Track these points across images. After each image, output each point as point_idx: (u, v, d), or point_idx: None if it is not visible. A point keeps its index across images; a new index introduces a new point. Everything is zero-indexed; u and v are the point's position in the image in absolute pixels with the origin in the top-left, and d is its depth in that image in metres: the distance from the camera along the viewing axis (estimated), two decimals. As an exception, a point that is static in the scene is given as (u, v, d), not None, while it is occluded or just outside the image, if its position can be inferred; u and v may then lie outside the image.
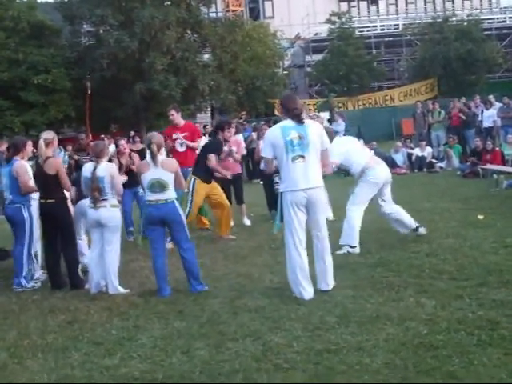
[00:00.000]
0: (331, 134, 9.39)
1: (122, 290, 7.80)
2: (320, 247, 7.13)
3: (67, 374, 5.20)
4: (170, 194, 7.57)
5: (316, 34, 45.26)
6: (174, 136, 11.76)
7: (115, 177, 7.98)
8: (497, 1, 50.22)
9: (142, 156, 11.49)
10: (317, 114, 27.61)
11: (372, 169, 9.32)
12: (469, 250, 8.53)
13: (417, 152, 21.45)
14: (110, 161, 8.78)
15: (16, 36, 29.24)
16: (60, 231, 8.34)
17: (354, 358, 5.03)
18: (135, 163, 11.61)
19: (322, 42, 43.18)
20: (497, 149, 18.82)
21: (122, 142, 12.31)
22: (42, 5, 33.42)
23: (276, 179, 11.77)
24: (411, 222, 9.62)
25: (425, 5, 49.88)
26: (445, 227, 10.27)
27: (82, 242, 9.28)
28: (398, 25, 45.91)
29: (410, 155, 21.57)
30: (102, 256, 7.92)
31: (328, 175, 8.49)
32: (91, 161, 8.35)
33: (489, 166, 17.07)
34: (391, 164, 21.14)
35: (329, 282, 7.13)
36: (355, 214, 9.22)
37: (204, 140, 13.77)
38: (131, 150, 12.41)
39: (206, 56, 34.13)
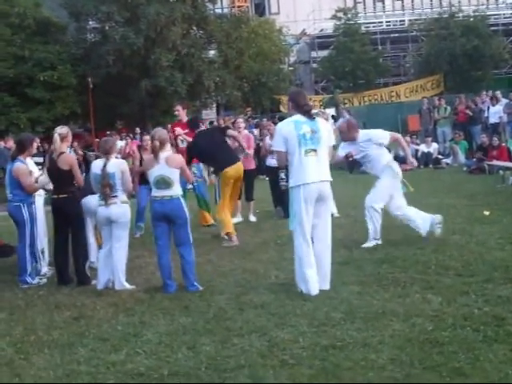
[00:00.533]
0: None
1: (128, 286, 7.82)
2: (322, 246, 7.15)
3: (73, 370, 5.21)
4: (176, 190, 7.56)
5: (322, 30, 45.11)
6: (176, 132, 11.80)
7: (125, 173, 7.98)
8: (503, -4, 50.07)
9: None
10: (322, 110, 27.66)
11: (395, 163, 9.40)
12: (475, 246, 8.52)
13: (423, 148, 21.43)
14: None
15: (22, 33, 29.21)
16: (71, 227, 8.36)
17: (360, 354, 5.03)
18: (135, 162, 11.70)
19: (327, 38, 43.03)
20: (503, 145, 18.80)
21: (147, 137, 12.33)
22: (47, 1, 33.40)
23: (282, 175, 11.80)
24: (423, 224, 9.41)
25: (431, 0, 49.62)
26: (451, 223, 10.25)
27: (92, 240, 9.22)
28: (403, 21, 45.71)
29: (416, 151, 21.54)
30: (111, 252, 7.93)
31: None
32: (97, 157, 8.35)
33: (495, 162, 17.06)
34: (396, 160, 21.17)
35: (327, 283, 7.12)
36: (378, 213, 9.31)
37: None
38: (139, 146, 12.47)
39: (212, 52, 34.08)
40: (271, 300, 6.75)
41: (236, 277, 7.93)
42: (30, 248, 8.58)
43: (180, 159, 7.81)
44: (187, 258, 7.55)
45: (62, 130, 8.43)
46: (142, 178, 11.57)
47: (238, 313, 6.40)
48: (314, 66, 44.22)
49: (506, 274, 7.06)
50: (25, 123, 27.44)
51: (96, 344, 5.82)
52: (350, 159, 9.81)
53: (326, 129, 7.19)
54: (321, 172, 7.01)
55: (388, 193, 9.35)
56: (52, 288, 8.17)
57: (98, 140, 19.71)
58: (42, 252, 8.97)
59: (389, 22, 46.24)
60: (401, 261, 8.05)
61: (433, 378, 4.53)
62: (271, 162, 12.43)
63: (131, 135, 25.62)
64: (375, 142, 9.43)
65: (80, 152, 13.38)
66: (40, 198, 9.23)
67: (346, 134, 9.57)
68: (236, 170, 10.36)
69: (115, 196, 7.87)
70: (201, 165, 12.10)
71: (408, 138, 22.49)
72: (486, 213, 10.78)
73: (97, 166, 7.99)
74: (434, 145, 21.53)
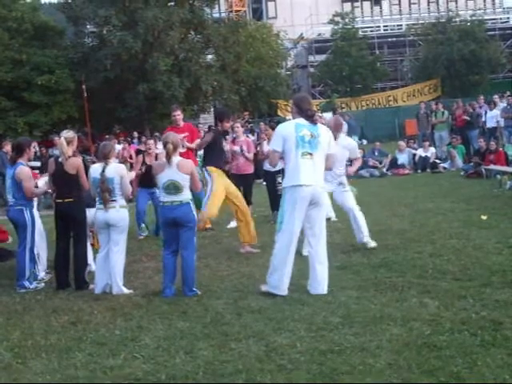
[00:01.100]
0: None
1: (125, 290, 7.80)
2: (317, 250, 7.16)
3: (71, 375, 5.20)
4: (186, 195, 7.53)
5: (319, 34, 45.23)
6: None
7: (124, 177, 7.97)
8: (500, 1, 50.15)
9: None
10: (320, 114, 27.72)
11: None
12: (472, 251, 8.53)
13: (420, 152, 21.44)
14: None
15: (19, 37, 29.27)
16: (74, 231, 8.34)
17: (358, 359, 5.03)
18: (136, 166, 11.71)
19: (325, 43, 43.14)
20: (500, 149, 18.80)
21: (151, 141, 12.35)
22: (45, 6, 33.48)
23: (279, 180, 11.81)
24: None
25: (428, 5, 49.82)
26: (448, 227, 10.27)
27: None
28: (401, 25, 45.88)
29: (413, 156, 21.56)
30: (108, 257, 7.92)
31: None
32: (93, 162, 8.33)
33: (492, 167, 17.07)
34: (394, 164, 21.19)
35: (325, 287, 7.12)
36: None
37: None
38: (138, 151, 12.47)
39: (209, 56, 34.15)
40: (269, 305, 6.74)
41: (233, 281, 7.93)
42: (30, 252, 8.56)
43: (191, 165, 7.74)
44: (190, 262, 7.53)
45: (68, 134, 8.43)
46: (141, 182, 11.60)
47: (235, 317, 6.40)
48: (312, 70, 44.32)
49: (504, 278, 7.07)
50: (22, 127, 27.48)
51: (93, 348, 5.81)
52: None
53: (326, 136, 7.23)
54: (315, 176, 7.03)
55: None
56: (49, 293, 8.16)
57: (95, 144, 19.75)
58: (38, 256, 8.94)
59: (386, 26, 46.39)
60: (398, 265, 8.05)
61: (430, 382, 4.53)
62: (269, 166, 12.43)
63: (129, 139, 25.62)
64: (349, 154, 9.58)
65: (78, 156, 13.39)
66: (35, 202, 9.21)
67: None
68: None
69: (114, 200, 7.86)
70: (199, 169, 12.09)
71: (402, 143, 22.59)
72: (484, 217, 10.79)
73: (96, 170, 7.97)
74: (432, 149, 21.54)
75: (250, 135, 21.29)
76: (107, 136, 23.31)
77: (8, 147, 17.77)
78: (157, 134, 25.66)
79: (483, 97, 24.39)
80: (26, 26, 29.05)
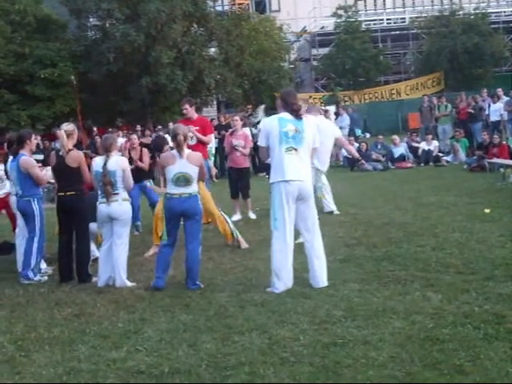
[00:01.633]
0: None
1: (128, 283, 7.82)
2: (312, 244, 7.16)
3: (74, 367, 5.22)
4: (194, 187, 7.54)
5: (322, 27, 45.10)
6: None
7: (126, 170, 7.97)
8: (504, -6, 50.00)
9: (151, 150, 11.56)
10: (325, 108, 27.71)
11: None
12: (475, 244, 8.53)
13: (423, 146, 21.41)
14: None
15: (22, 30, 29.20)
16: (76, 224, 8.34)
17: (360, 352, 5.04)
18: (143, 158, 11.66)
19: (328, 36, 43.00)
20: (504, 142, 18.77)
21: (134, 136, 12.40)
22: (48, -1, 33.39)
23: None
24: None
25: (431, -2, 49.71)
26: (451, 221, 10.27)
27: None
28: (404, 18, 45.69)
29: (416, 149, 21.52)
30: (111, 250, 7.93)
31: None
32: (85, 154, 8.31)
33: (495, 160, 17.04)
34: (393, 158, 21.17)
35: (324, 279, 7.13)
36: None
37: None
38: (141, 144, 12.46)
39: (212, 49, 34.04)
40: (272, 298, 6.75)
41: (237, 274, 7.94)
42: (38, 243, 8.58)
43: (200, 157, 7.76)
44: (195, 255, 7.53)
45: (68, 126, 8.42)
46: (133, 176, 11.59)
47: (238, 310, 6.41)
48: (315, 63, 44.19)
49: (507, 271, 7.07)
50: (25, 120, 27.43)
51: (96, 341, 5.83)
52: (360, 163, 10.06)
53: (311, 130, 7.22)
54: (300, 171, 7.03)
55: None
56: (52, 285, 8.17)
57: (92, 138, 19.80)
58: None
59: (389, 19, 46.23)
60: (401, 258, 8.06)
61: (433, 375, 4.53)
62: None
63: (131, 132, 25.59)
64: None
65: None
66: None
67: None
68: None
69: (116, 194, 7.86)
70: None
71: (395, 137, 22.53)
72: (487, 210, 10.78)
73: (98, 163, 7.98)
74: (435, 142, 21.50)
75: (253, 129, 21.24)
76: (110, 129, 23.29)
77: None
78: (159, 126, 25.69)
79: (486, 90, 24.33)
80: (28, 19, 28.97)
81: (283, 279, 6.98)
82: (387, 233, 9.62)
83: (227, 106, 37.68)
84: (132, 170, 11.27)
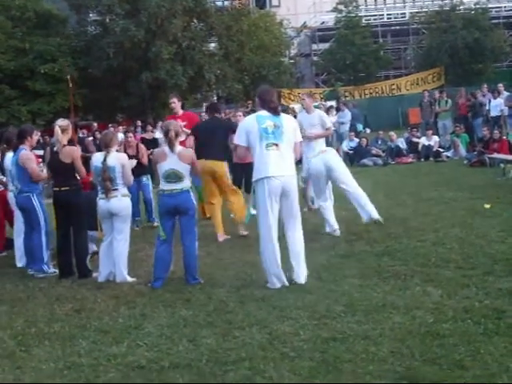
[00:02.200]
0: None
1: (129, 278, 7.82)
2: (294, 239, 7.17)
3: (74, 362, 5.22)
4: (186, 183, 7.53)
5: (322, 22, 45.10)
6: None
7: (126, 166, 7.97)
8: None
9: (152, 145, 11.55)
10: (323, 102, 27.66)
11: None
12: (475, 239, 8.53)
13: (423, 141, 21.39)
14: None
15: (23, 25, 29.23)
16: (73, 219, 8.33)
17: (361, 347, 5.04)
18: (141, 154, 11.65)
19: (328, 31, 43.00)
20: (504, 138, 18.76)
21: (130, 134, 12.45)
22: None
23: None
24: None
25: (432, -7, 49.64)
26: (451, 216, 10.26)
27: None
28: (404, 13, 45.67)
29: (416, 144, 21.51)
30: (112, 245, 7.93)
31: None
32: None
33: (496, 155, 17.02)
34: (390, 153, 21.17)
35: (305, 274, 7.14)
36: None
37: None
38: (142, 139, 12.45)
39: (213, 45, 34.08)
40: (272, 293, 6.76)
41: (237, 270, 7.94)
42: (46, 237, 8.59)
43: (191, 154, 7.74)
44: (192, 250, 7.53)
45: (62, 122, 8.40)
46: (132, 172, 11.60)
47: (238, 306, 6.41)
48: (315, 58, 44.20)
49: (507, 266, 7.07)
50: (25, 116, 27.47)
51: (97, 336, 5.83)
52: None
53: (290, 125, 7.23)
54: (282, 166, 7.01)
55: None
56: (53, 281, 8.17)
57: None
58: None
59: (390, 14, 46.20)
60: (401, 254, 8.05)
61: (433, 370, 4.53)
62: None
63: (132, 128, 25.59)
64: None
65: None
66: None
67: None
68: (202, 165, 9.99)
69: (116, 189, 7.86)
70: None
71: (392, 133, 22.50)
72: (487, 206, 10.77)
73: (97, 159, 7.98)
74: (435, 138, 21.47)
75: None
76: (110, 125, 23.29)
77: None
78: (160, 122, 25.68)
79: (487, 85, 24.30)
80: (28, 15, 29.00)
81: (276, 276, 6.99)
82: (387, 228, 9.62)
83: (227, 102, 37.65)
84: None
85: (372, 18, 45.08)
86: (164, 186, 7.54)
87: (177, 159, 7.46)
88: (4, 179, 9.66)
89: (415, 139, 21.80)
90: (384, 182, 15.65)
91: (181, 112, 12.15)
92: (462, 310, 5.74)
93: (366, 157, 20.91)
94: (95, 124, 26.19)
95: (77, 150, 8.47)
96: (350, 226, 10.06)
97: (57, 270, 8.51)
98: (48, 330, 6.13)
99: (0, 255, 10.02)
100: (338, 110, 24.97)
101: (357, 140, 21.96)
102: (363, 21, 42.48)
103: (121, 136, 15.78)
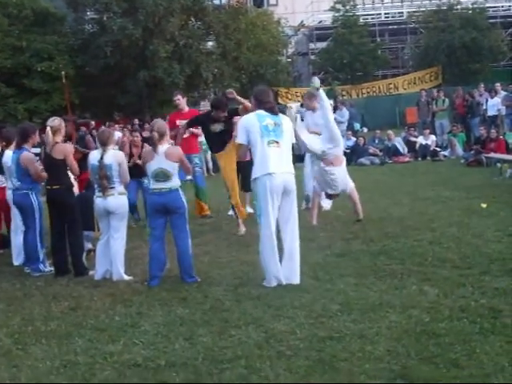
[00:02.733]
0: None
1: (126, 277, 7.82)
2: (290, 238, 7.15)
3: (70, 360, 5.22)
4: (175, 182, 7.52)
5: (320, 21, 45.02)
6: (178, 122, 11.72)
7: (122, 164, 7.97)
8: (502, -11, 49.93)
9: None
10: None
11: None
12: (472, 239, 8.54)
13: (421, 140, 21.42)
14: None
15: (20, 23, 29.17)
16: (66, 217, 8.32)
17: (357, 346, 5.05)
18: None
19: (325, 30, 42.92)
20: (501, 137, 18.79)
21: (137, 134, 12.38)
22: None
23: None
24: None
25: (429, -8, 49.63)
26: (448, 215, 10.28)
27: None
28: (402, 12, 45.59)
29: (413, 143, 21.53)
30: (109, 243, 7.93)
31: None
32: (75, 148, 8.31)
33: (493, 155, 17.07)
34: (390, 152, 21.18)
35: (297, 276, 7.10)
36: None
37: None
38: (143, 138, 12.44)
39: (210, 43, 34.05)
40: (268, 291, 6.76)
41: (233, 268, 7.94)
42: (40, 236, 8.58)
43: (179, 152, 7.72)
44: (185, 248, 7.52)
45: (53, 122, 8.38)
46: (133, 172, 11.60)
47: (235, 304, 6.41)
48: (312, 57, 44.09)
49: (503, 266, 7.08)
50: (22, 114, 27.42)
51: (93, 334, 5.83)
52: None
53: (288, 125, 7.26)
54: (284, 164, 7.04)
55: None
56: (49, 279, 8.17)
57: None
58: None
59: (387, 13, 46.11)
60: (398, 253, 8.06)
61: (429, 369, 4.54)
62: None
63: (129, 126, 25.58)
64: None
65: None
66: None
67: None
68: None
69: (113, 187, 7.86)
70: (202, 156, 12.11)
71: (390, 132, 22.52)
72: (484, 205, 10.78)
73: (94, 157, 7.97)
74: (432, 137, 21.51)
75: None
76: (107, 123, 23.28)
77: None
78: (136, 120, 25.66)
79: (484, 85, 24.32)
80: (26, 13, 28.93)
81: (274, 274, 6.99)
82: (384, 227, 9.63)
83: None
84: (132, 167, 11.31)
85: (369, 17, 44.97)
86: (153, 184, 7.55)
87: (163, 158, 7.45)
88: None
89: (412, 138, 21.83)
90: (381, 181, 15.68)
91: (187, 109, 12.05)
92: (458, 309, 5.75)
93: (363, 156, 20.94)
94: (92, 122, 26.19)
95: (69, 147, 8.46)
96: (346, 224, 10.07)
97: (53, 269, 8.50)
98: (44, 328, 6.13)
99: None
100: (335, 109, 24.97)
101: (354, 139, 21.99)
102: (361, 20, 42.37)
103: (117, 134, 15.72)
